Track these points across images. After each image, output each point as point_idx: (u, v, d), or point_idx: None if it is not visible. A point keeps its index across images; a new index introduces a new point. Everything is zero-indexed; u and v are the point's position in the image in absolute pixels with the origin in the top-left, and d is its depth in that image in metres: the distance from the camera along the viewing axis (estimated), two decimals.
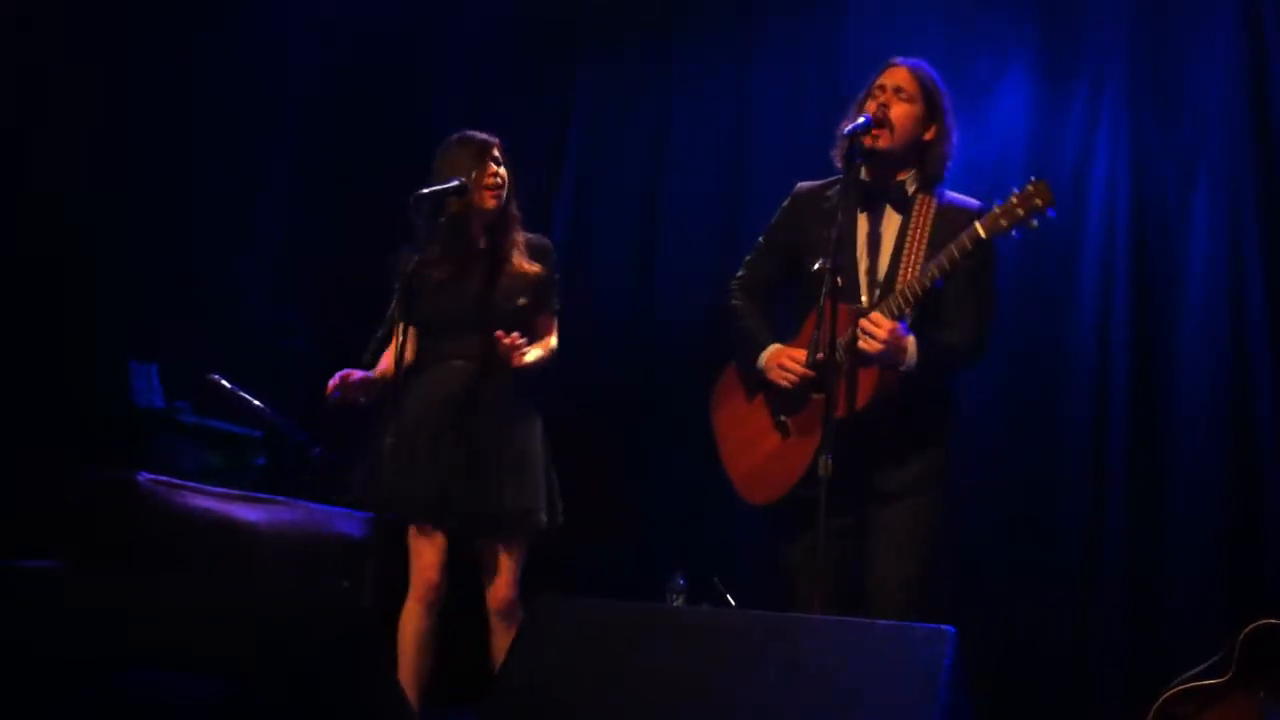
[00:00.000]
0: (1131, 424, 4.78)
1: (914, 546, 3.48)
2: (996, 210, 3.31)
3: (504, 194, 4.11)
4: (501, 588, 4.07)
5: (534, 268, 4.13)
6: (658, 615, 3.34)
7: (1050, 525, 4.85)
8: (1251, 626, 3.73)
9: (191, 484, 3.99)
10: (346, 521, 4.38)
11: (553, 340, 4.18)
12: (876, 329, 3.33)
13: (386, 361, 4.06)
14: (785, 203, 3.77)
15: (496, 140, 4.14)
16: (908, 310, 3.39)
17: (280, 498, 4.26)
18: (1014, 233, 3.32)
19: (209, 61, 5.59)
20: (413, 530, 4.06)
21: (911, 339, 3.38)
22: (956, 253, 3.32)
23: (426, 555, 4.04)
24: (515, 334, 3.91)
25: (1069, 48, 5.16)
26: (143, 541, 3.75)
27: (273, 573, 3.96)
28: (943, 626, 2.81)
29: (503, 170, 4.11)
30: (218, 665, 3.83)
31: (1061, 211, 4.91)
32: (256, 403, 4.78)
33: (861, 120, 3.47)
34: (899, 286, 3.42)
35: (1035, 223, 3.30)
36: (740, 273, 3.83)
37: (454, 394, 4.04)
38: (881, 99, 3.55)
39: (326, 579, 4.04)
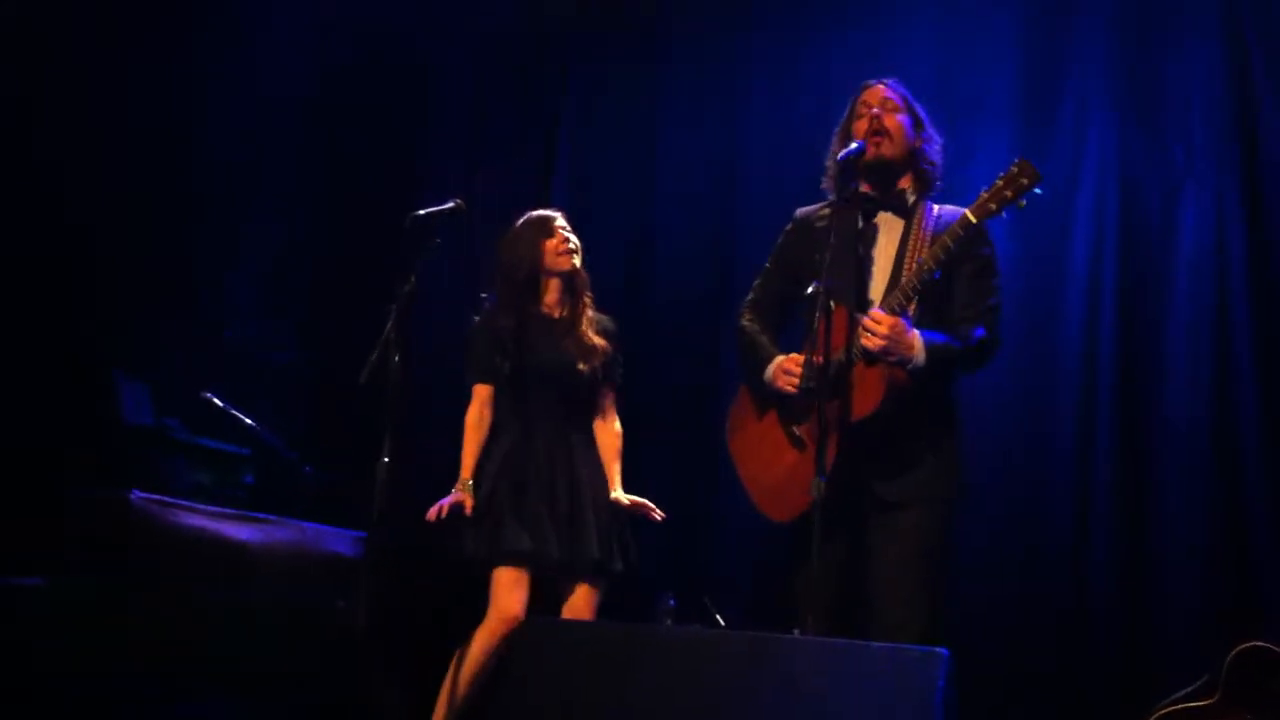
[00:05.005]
0: (1117, 443, 4.81)
1: (916, 564, 3.45)
2: (984, 195, 3.37)
3: (577, 258, 4.32)
4: (585, 615, 4.14)
5: (601, 341, 4.31)
6: (649, 637, 3.34)
7: (1037, 546, 4.87)
8: (1239, 648, 3.76)
9: (184, 502, 3.99)
10: (338, 540, 4.39)
11: (616, 423, 4.37)
12: (877, 325, 3.35)
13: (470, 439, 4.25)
14: (787, 227, 3.82)
15: (559, 212, 4.40)
16: (910, 306, 3.41)
17: (272, 516, 4.25)
18: (1004, 214, 3.37)
19: (208, 63, 5.59)
20: (501, 574, 4.08)
21: (917, 334, 3.39)
22: (950, 241, 3.37)
23: (514, 594, 4.05)
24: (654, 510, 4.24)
25: (1053, 70, 5.20)
26: (136, 560, 3.75)
27: (266, 590, 3.96)
28: (936, 649, 2.83)
29: (573, 236, 4.33)
30: (215, 680, 3.83)
31: (1049, 233, 5.02)
32: (248, 421, 4.77)
33: (855, 146, 3.52)
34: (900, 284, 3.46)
35: (1023, 202, 3.35)
36: (750, 295, 3.86)
37: (540, 449, 4.17)
38: (871, 114, 3.62)
39: (321, 597, 4.04)
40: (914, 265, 3.48)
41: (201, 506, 4.04)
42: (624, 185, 5.93)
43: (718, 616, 4.70)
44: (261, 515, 4.23)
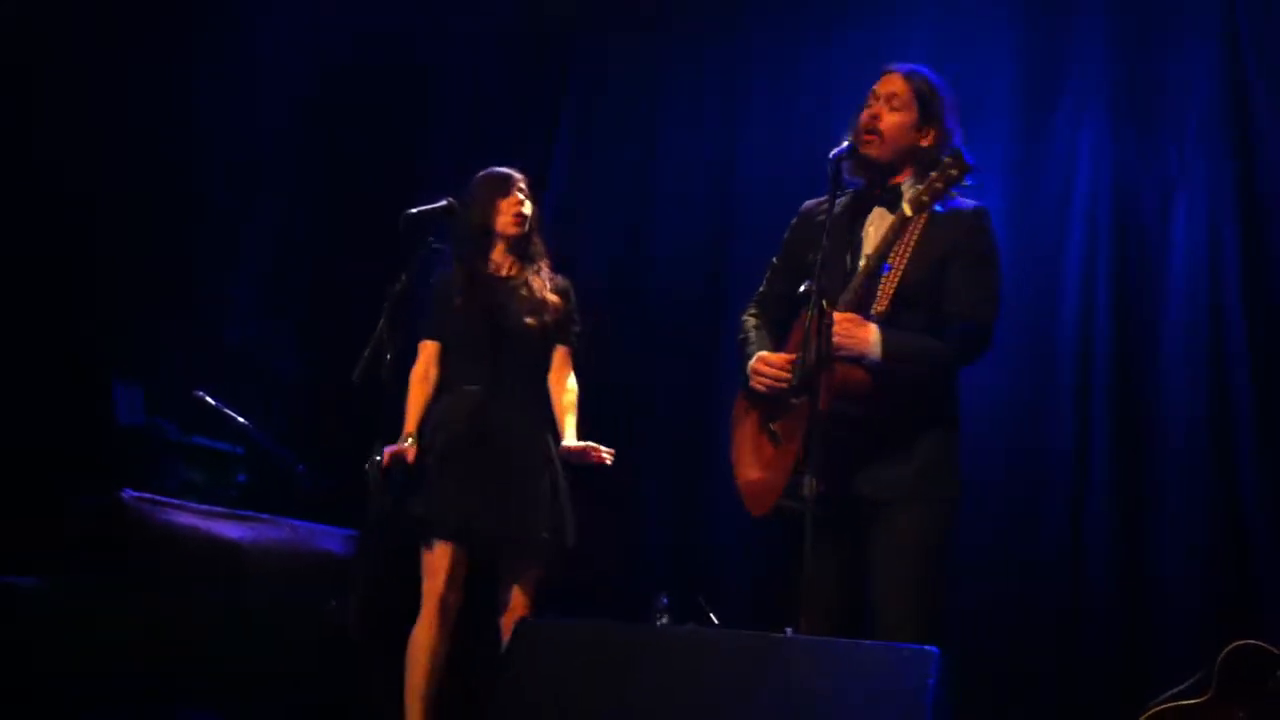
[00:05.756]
0: (1115, 443, 4.79)
1: (916, 563, 3.41)
2: (919, 189, 3.33)
3: (527, 224, 4.29)
4: (518, 609, 4.11)
5: (554, 298, 4.27)
6: (643, 637, 3.33)
7: (1037, 546, 4.86)
8: (1231, 646, 3.76)
9: (176, 501, 4.01)
10: (329, 538, 4.40)
11: (571, 379, 4.30)
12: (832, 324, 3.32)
13: (415, 394, 4.22)
14: (793, 221, 3.78)
15: (522, 175, 4.35)
16: (877, 304, 3.35)
17: (264, 515, 4.27)
18: (936, 206, 3.34)
19: (208, 63, 5.60)
20: (430, 550, 4.07)
21: (872, 327, 3.33)
22: (890, 235, 3.35)
23: (445, 575, 4.05)
24: (601, 450, 4.11)
25: (1053, 70, 5.19)
26: (128, 558, 3.76)
27: (257, 589, 3.97)
28: (927, 647, 2.82)
29: (529, 203, 4.30)
30: (210, 679, 3.85)
31: (1044, 236, 5.02)
32: (240, 419, 4.79)
33: (845, 145, 3.49)
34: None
35: (954, 193, 3.34)
36: (760, 288, 3.84)
37: (473, 415, 4.13)
38: (873, 108, 3.57)
39: (312, 595, 4.05)
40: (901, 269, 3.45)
41: (193, 505, 4.05)
42: (623, 185, 5.94)
43: (711, 615, 4.69)
44: (253, 514, 4.24)
